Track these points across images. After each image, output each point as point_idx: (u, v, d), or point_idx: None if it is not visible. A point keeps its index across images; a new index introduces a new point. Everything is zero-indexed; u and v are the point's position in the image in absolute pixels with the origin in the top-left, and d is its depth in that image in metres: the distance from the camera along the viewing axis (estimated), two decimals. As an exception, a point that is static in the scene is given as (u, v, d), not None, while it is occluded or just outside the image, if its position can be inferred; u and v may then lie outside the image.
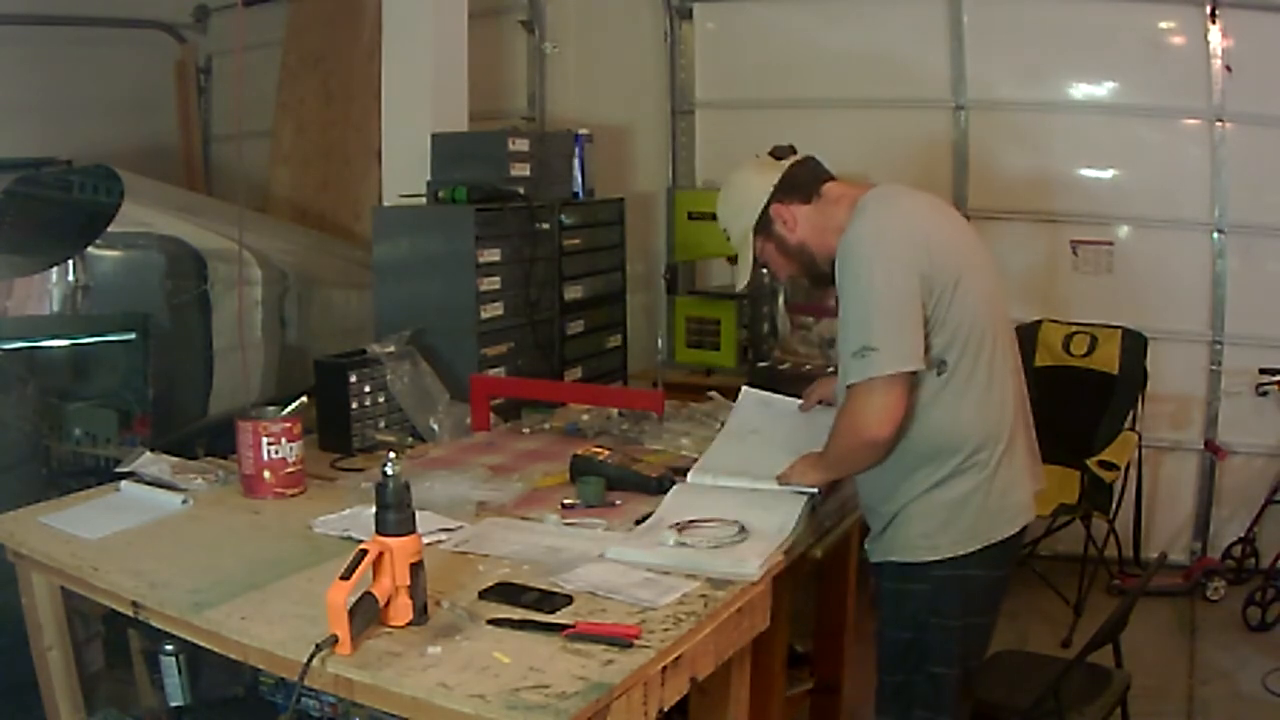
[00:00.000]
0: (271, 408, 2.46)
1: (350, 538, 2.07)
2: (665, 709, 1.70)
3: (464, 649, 1.64)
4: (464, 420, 2.92)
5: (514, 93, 5.39)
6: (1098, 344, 4.23)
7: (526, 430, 2.99)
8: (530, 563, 1.98)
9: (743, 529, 2.05)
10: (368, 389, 2.84)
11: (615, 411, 3.03)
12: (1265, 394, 4.24)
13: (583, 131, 3.78)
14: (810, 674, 2.83)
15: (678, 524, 2.05)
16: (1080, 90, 4.48)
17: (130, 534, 2.17)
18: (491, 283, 3.23)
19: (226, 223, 3.46)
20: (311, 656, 1.59)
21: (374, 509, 1.72)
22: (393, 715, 1.62)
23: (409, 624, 1.71)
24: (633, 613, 1.77)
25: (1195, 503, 4.46)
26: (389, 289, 3.29)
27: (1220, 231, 4.32)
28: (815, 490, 2.22)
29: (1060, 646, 3.59)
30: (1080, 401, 4.18)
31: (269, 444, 2.36)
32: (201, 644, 1.87)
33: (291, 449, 2.40)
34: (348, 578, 1.62)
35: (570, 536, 2.13)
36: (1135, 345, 4.17)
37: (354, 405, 2.80)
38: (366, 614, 1.66)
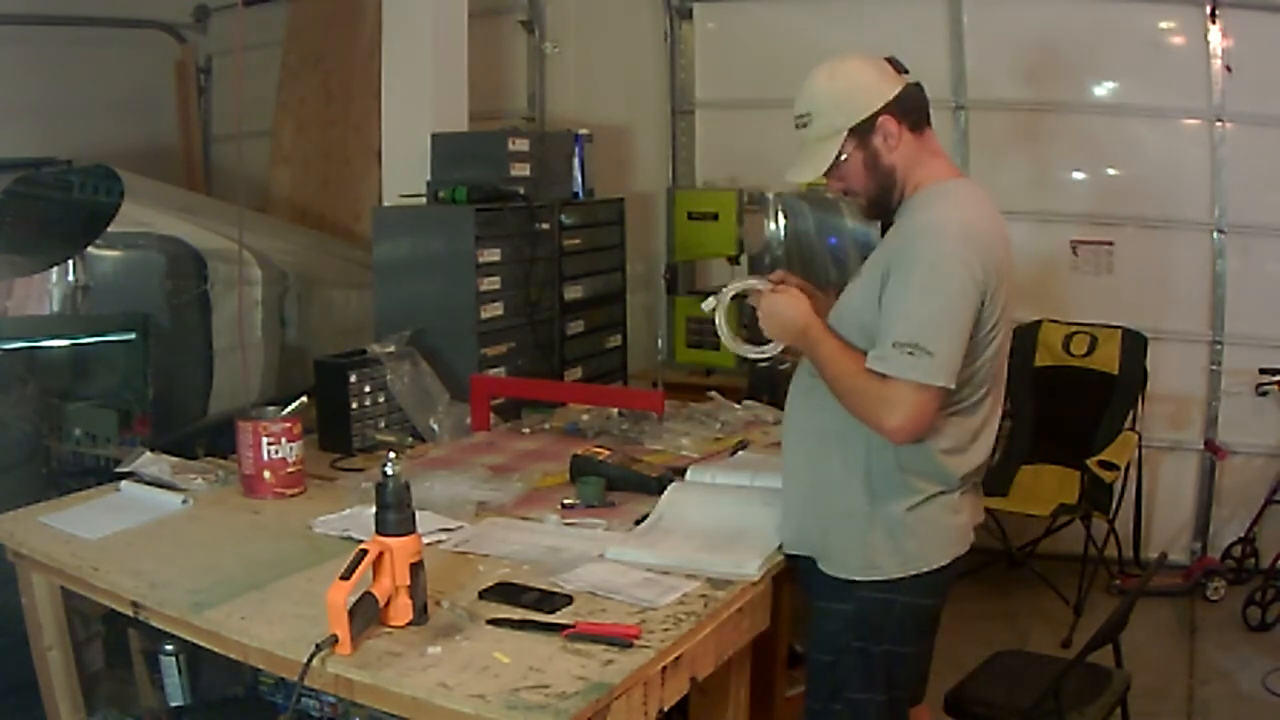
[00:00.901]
0: (271, 408, 2.46)
1: (350, 538, 2.07)
2: (665, 709, 1.70)
3: (464, 649, 1.64)
4: (464, 420, 2.92)
5: (514, 93, 5.39)
6: (1098, 344, 4.23)
7: (526, 430, 2.99)
8: (530, 563, 1.98)
9: None
10: (368, 389, 2.84)
11: (615, 411, 3.03)
12: (1265, 394, 4.24)
13: (583, 131, 3.78)
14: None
15: None
16: (1080, 90, 4.47)
17: (130, 534, 2.17)
18: (491, 283, 3.23)
19: (226, 223, 3.45)
20: (311, 656, 1.59)
21: (374, 509, 1.72)
22: (393, 715, 1.62)
23: (409, 624, 1.71)
24: (633, 613, 1.77)
25: (1195, 503, 4.45)
26: (389, 289, 3.29)
27: (1220, 231, 4.32)
28: (777, 346, 2.06)
29: (1060, 646, 3.58)
30: (1080, 401, 4.19)
31: (269, 444, 2.37)
32: (201, 644, 1.87)
33: (291, 449, 2.40)
34: (348, 578, 1.62)
35: (570, 536, 2.13)
36: (1135, 345, 4.17)
37: (354, 405, 2.80)
38: (366, 614, 1.66)
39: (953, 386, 1.83)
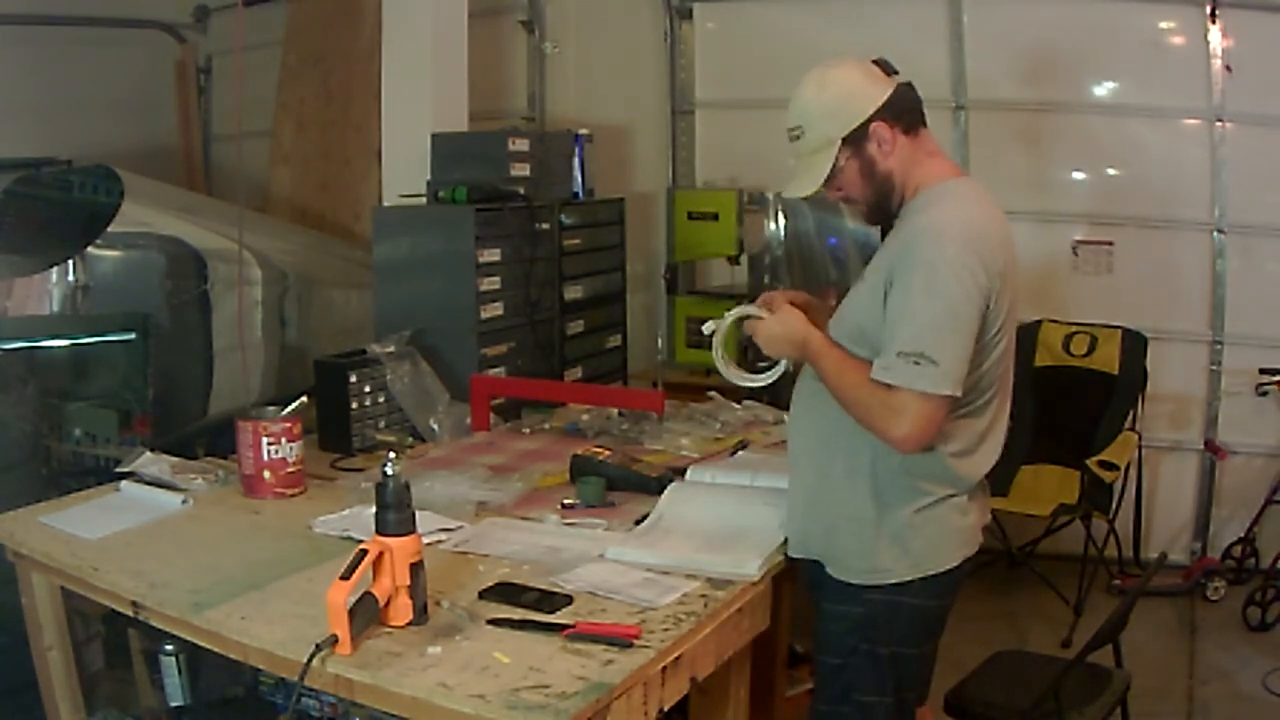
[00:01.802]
0: (271, 408, 2.46)
1: (350, 538, 2.07)
2: (665, 709, 1.70)
3: (464, 649, 1.64)
4: (464, 420, 2.92)
5: (514, 93, 5.39)
6: (1098, 344, 4.23)
7: (526, 430, 2.99)
8: (530, 563, 1.98)
9: None
10: (368, 389, 2.84)
11: (615, 411, 3.03)
12: (1265, 394, 4.24)
13: (583, 131, 3.78)
14: (810, 674, 2.83)
15: None
16: (1080, 90, 4.47)
17: (130, 534, 2.17)
18: (491, 283, 3.23)
19: (226, 223, 3.45)
20: (311, 656, 1.59)
21: (374, 509, 1.72)
22: (393, 715, 1.62)
23: (409, 624, 1.71)
24: (633, 613, 1.77)
25: (1195, 503, 4.45)
26: (389, 289, 3.29)
27: (1220, 231, 4.32)
28: (774, 373, 2.05)
29: (1060, 646, 3.59)
30: (1080, 401, 4.19)
31: (269, 444, 2.37)
32: (201, 644, 1.87)
33: (291, 449, 2.40)
34: (348, 578, 1.62)
35: (570, 536, 2.13)
36: (1135, 345, 4.17)
37: (354, 405, 2.80)
38: (366, 614, 1.66)
39: (959, 394, 1.81)
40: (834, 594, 1.99)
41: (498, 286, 3.26)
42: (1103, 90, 4.48)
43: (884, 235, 2.04)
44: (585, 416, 3.01)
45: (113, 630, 2.49)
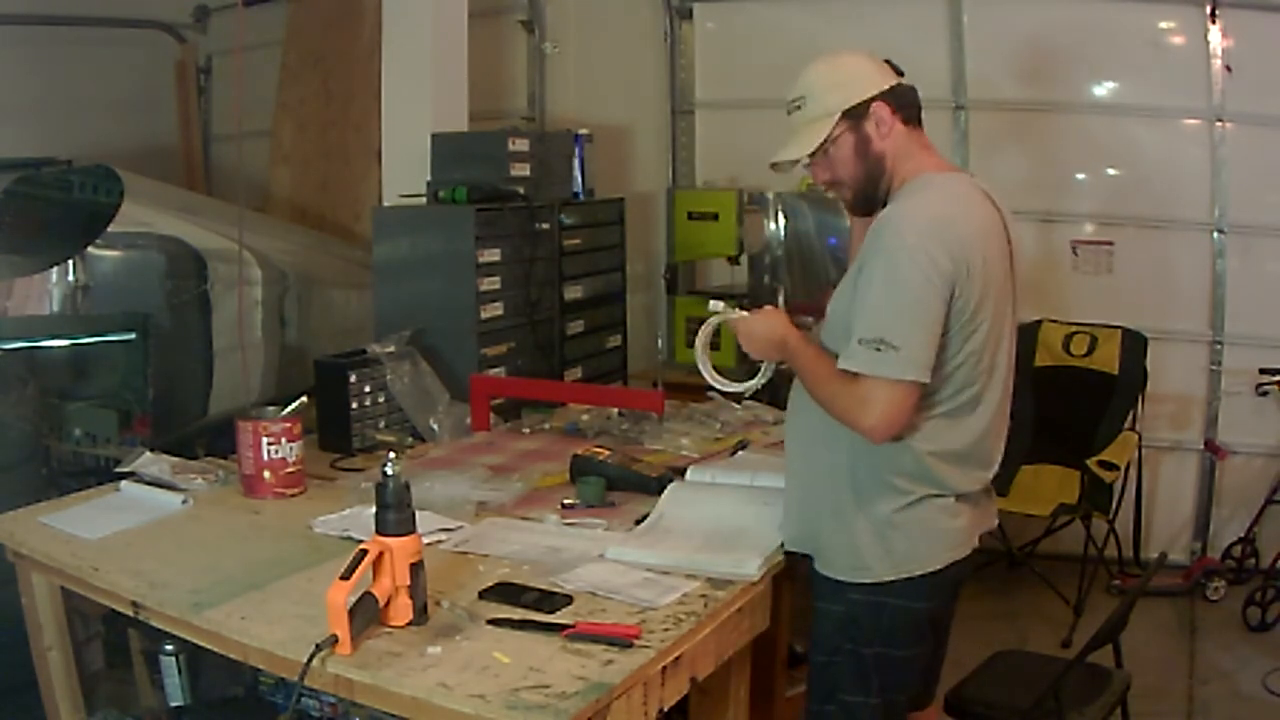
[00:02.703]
0: (271, 408, 2.46)
1: (350, 538, 2.07)
2: (665, 709, 1.70)
3: (464, 649, 1.64)
4: (464, 420, 2.92)
5: (514, 93, 5.39)
6: (1098, 344, 4.23)
7: (526, 430, 2.99)
8: (530, 563, 1.98)
9: None
10: (368, 389, 2.84)
11: (615, 411, 3.03)
12: (1265, 394, 4.24)
13: (583, 131, 3.78)
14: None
15: None
16: (1080, 90, 4.47)
17: (130, 534, 2.17)
18: (491, 283, 3.23)
19: (226, 223, 3.45)
20: (311, 656, 1.59)
21: (374, 509, 1.72)
22: (393, 715, 1.62)
23: (409, 624, 1.71)
24: (633, 613, 1.77)
25: (1195, 503, 4.45)
26: (389, 289, 3.29)
27: (1220, 231, 4.32)
28: (754, 383, 2.08)
29: (1060, 646, 3.59)
30: (1080, 401, 4.19)
31: (269, 444, 2.37)
32: (201, 644, 1.87)
33: (291, 449, 2.40)
34: (348, 578, 1.62)
35: (570, 536, 2.13)
36: (1135, 345, 4.17)
37: (354, 405, 2.80)
38: (366, 614, 1.66)
39: (926, 380, 1.80)
40: (823, 591, 1.99)
41: (498, 286, 3.26)
42: (1103, 90, 4.48)
43: None
44: (585, 416, 3.02)
45: (113, 630, 2.49)
